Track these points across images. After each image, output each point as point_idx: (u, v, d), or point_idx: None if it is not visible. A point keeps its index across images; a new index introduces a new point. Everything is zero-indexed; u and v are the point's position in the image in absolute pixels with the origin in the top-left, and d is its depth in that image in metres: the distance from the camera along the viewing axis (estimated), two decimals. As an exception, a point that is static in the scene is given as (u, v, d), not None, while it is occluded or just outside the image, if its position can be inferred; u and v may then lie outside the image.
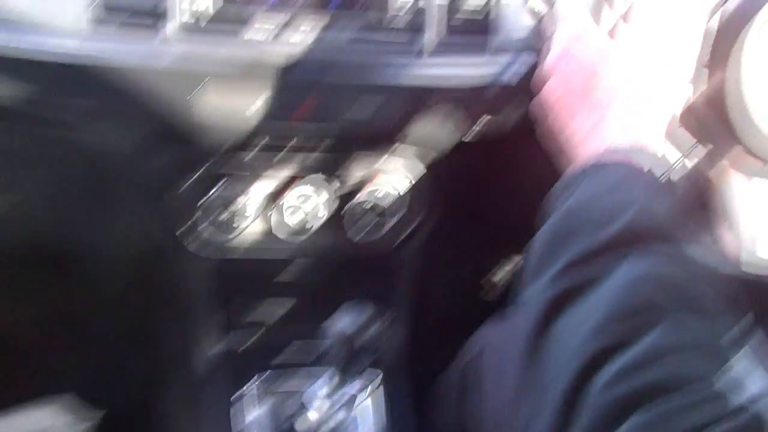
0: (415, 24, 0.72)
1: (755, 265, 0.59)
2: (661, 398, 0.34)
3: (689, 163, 0.58)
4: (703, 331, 0.38)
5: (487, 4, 0.72)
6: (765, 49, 0.53)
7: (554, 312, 0.40)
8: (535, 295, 0.43)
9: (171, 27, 0.67)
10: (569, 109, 0.54)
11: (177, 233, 0.81)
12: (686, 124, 0.57)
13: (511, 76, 0.73)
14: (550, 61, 0.58)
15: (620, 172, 0.46)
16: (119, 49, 0.66)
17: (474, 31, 0.73)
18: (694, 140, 0.58)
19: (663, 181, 0.48)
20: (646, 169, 0.47)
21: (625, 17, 0.56)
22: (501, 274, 1.23)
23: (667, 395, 0.34)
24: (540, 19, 0.68)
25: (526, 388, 0.42)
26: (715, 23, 0.56)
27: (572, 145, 0.54)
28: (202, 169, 0.79)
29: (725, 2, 0.56)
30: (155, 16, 0.66)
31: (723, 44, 0.55)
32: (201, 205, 0.79)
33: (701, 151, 0.58)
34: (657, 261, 0.39)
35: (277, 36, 0.70)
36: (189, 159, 0.79)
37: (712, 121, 0.56)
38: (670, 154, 0.56)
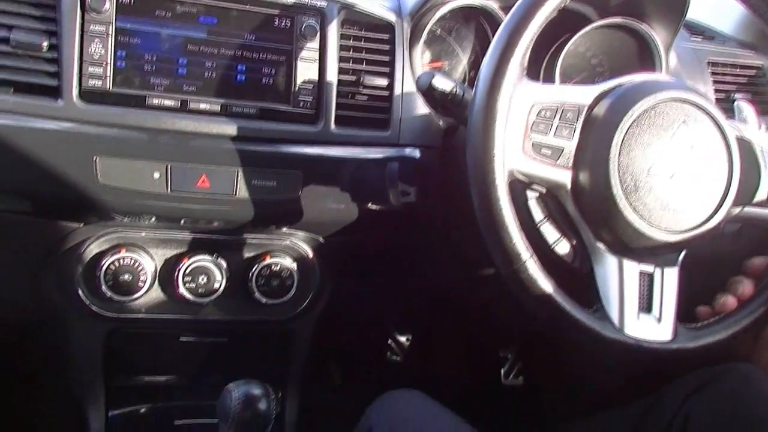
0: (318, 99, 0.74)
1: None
2: None
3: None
4: None
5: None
6: None
7: None
8: None
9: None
10: None
11: (73, 294, 0.78)
12: None
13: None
14: None
15: None
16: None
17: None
18: None
19: None
20: None
21: None
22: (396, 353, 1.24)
23: None
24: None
25: None
26: None
27: None
28: (99, 234, 0.77)
29: None
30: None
31: None
32: (101, 267, 0.76)
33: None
34: None
35: (182, 105, 0.71)
36: (89, 222, 0.77)
37: None
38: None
